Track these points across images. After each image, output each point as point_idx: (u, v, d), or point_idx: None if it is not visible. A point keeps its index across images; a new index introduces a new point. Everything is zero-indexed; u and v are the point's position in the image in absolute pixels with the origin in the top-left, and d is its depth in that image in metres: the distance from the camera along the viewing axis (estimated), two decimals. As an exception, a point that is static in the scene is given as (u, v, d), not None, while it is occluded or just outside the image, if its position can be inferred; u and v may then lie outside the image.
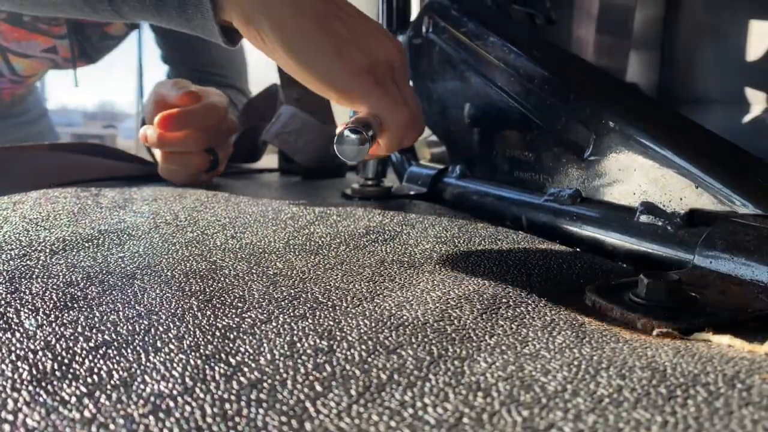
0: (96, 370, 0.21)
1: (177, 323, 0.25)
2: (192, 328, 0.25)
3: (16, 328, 0.25)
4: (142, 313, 0.26)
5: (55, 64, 0.90)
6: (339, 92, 0.39)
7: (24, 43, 0.85)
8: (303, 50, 0.38)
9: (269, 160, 0.90)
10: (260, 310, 0.27)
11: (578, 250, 0.39)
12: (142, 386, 0.20)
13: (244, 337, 0.24)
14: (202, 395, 0.19)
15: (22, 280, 0.31)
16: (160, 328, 0.25)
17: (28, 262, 0.34)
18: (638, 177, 0.37)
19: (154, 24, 0.50)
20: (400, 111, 0.39)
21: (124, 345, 0.23)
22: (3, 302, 0.28)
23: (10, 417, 0.18)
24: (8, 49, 0.86)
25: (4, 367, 0.21)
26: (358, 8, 0.42)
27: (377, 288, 0.30)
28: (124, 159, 0.73)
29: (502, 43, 0.48)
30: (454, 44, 0.54)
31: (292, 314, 0.26)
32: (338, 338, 0.24)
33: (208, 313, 0.27)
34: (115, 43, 0.97)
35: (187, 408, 0.19)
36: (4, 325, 0.25)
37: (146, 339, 0.24)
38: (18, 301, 0.28)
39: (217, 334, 0.24)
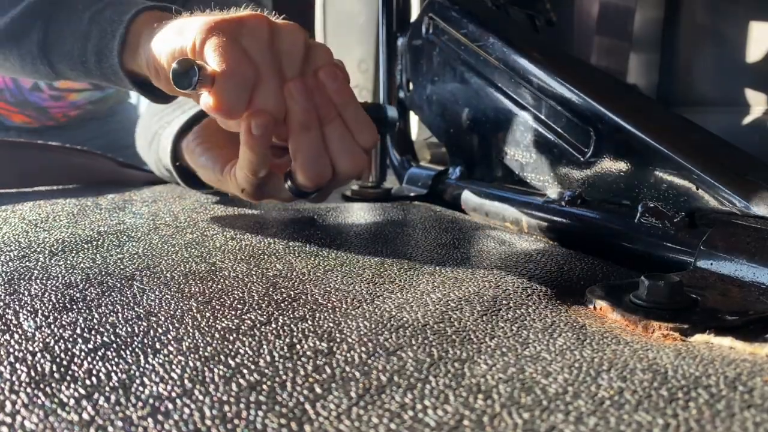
0: (95, 372, 0.21)
1: (176, 325, 0.25)
2: (191, 330, 0.25)
3: (14, 329, 0.25)
4: (141, 315, 0.26)
5: None
6: None
7: None
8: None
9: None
10: (260, 312, 0.27)
11: (579, 251, 0.39)
12: (141, 388, 0.20)
13: (244, 338, 0.24)
14: (201, 397, 0.19)
15: (21, 281, 0.31)
16: (159, 330, 0.25)
17: (27, 263, 0.34)
18: (639, 178, 0.37)
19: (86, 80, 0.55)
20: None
21: (123, 347, 0.23)
22: (2, 303, 0.27)
23: (9, 419, 0.18)
24: None
25: (2, 368, 0.21)
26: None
27: (377, 290, 0.30)
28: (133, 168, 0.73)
29: (502, 45, 0.48)
30: (454, 45, 0.54)
31: (291, 316, 0.26)
32: (338, 340, 0.24)
33: (208, 314, 0.26)
34: None
35: (186, 410, 0.18)
36: (2, 327, 0.25)
37: (145, 341, 0.24)
38: (17, 303, 0.28)
39: (217, 335, 0.24)
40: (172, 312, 0.27)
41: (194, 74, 0.36)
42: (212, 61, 0.37)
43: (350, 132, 0.41)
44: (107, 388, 0.20)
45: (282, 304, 0.28)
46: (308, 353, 0.23)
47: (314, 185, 0.41)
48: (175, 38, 0.40)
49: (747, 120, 0.59)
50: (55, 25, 0.51)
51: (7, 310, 0.27)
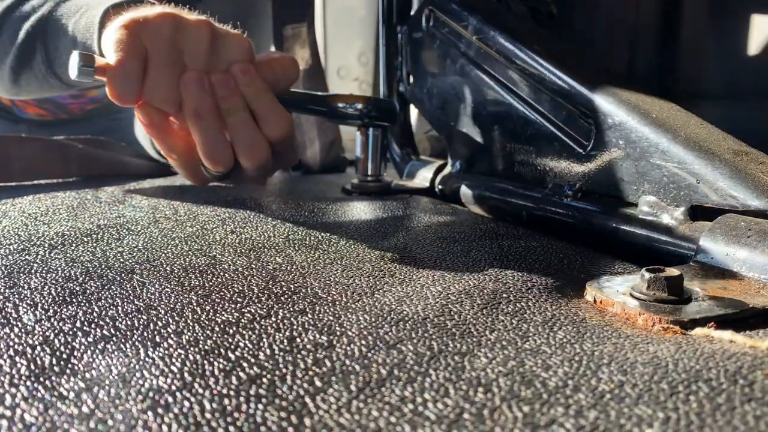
0: (94, 365, 0.21)
1: (176, 318, 0.25)
2: (191, 323, 0.25)
3: (14, 322, 0.25)
4: (141, 308, 0.26)
5: None
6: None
7: None
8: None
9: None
10: (260, 305, 0.27)
11: (579, 244, 0.39)
12: (140, 381, 0.20)
13: (244, 332, 0.24)
14: (201, 390, 0.19)
15: (21, 274, 0.31)
16: (159, 323, 0.25)
17: (26, 256, 0.34)
18: (639, 171, 0.37)
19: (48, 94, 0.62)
20: None
21: (122, 340, 0.23)
22: (1, 297, 0.27)
23: (8, 412, 0.18)
24: None
25: (2, 362, 0.21)
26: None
27: (377, 283, 0.30)
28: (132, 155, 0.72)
29: (502, 37, 0.48)
30: (455, 38, 0.54)
31: (291, 309, 0.26)
32: (338, 333, 0.24)
33: (208, 308, 0.26)
34: None
35: (186, 403, 0.18)
36: (2, 320, 0.25)
37: (145, 334, 0.24)
38: (16, 296, 0.28)
39: (217, 329, 0.24)
40: (171, 305, 0.27)
41: (89, 66, 0.41)
42: (108, 54, 0.42)
43: (257, 123, 0.45)
44: (107, 382, 0.20)
45: (282, 298, 0.28)
46: (308, 346, 0.23)
47: (216, 170, 0.46)
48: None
49: (749, 112, 0.58)
50: (51, 41, 0.56)
51: (6, 304, 0.27)
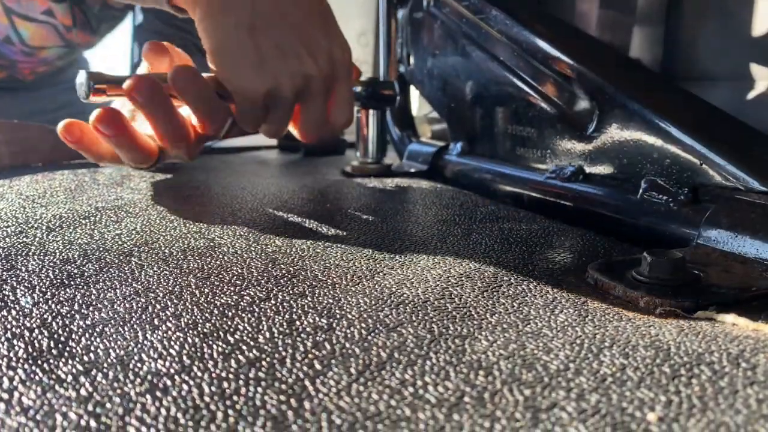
0: (93, 348, 0.21)
1: (175, 301, 0.25)
2: (190, 306, 0.24)
3: (12, 305, 0.24)
4: (140, 291, 0.26)
5: (58, 33, 0.89)
6: (231, 90, 0.42)
7: (24, 4, 0.84)
8: (225, 53, 0.42)
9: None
10: (259, 288, 0.27)
11: (580, 227, 0.39)
12: (139, 364, 0.20)
13: (243, 314, 0.24)
14: (200, 373, 0.19)
15: (19, 257, 0.30)
16: (158, 306, 0.24)
17: (24, 239, 0.33)
18: (642, 153, 0.37)
19: None
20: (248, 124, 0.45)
21: (121, 323, 0.23)
22: (-1, 280, 0.27)
23: (6, 395, 0.18)
24: (12, 10, 0.85)
25: (0, 345, 0.21)
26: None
27: (377, 266, 0.30)
28: None
29: (504, 17, 0.47)
30: (456, 18, 0.53)
31: (291, 292, 0.26)
32: (338, 316, 0.24)
33: (206, 290, 0.26)
34: (117, 16, 0.95)
35: (185, 386, 0.18)
36: (0, 303, 0.25)
37: (143, 317, 0.23)
38: (14, 279, 0.27)
39: (216, 311, 0.24)
40: (170, 288, 0.26)
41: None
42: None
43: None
44: (105, 365, 0.20)
45: (281, 281, 0.28)
46: (308, 329, 0.22)
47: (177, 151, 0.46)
48: None
49: (752, 94, 0.58)
50: None
51: (4, 286, 0.26)
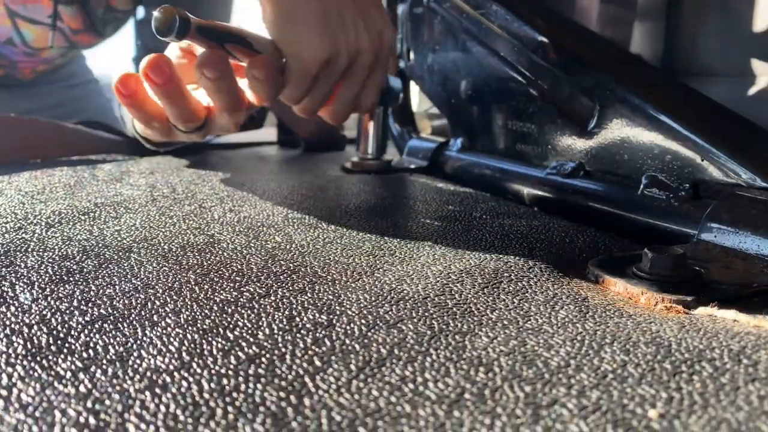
0: (92, 344, 0.21)
1: (174, 297, 0.25)
2: (189, 302, 0.24)
3: (11, 301, 0.24)
4: (139, 287, 0.26)
5: (65, 36, 0.88)
6: (289, 56, 0.42)
7: (30, 6, 0.83)
8: (291, 17, 0.41)
9: (268, 133, 0.89)
10: (259, 284, 0.27)
11: (581, 223, 0.38)
12: (138, 361, 0.20)
13: (243, 311, 0.24)
14: (199, 370, 0.19)
15: (18, 253, 0.30)
16: (157, 302, 0.24)
17: (23, 235, 0.33)
18: (642, 149, 0.37)
19: None
20: (295, 96, 0.44)
21: (120, 319, 0.23)
22: (-2, 276, 0.27)
23: (5, 392, 0.18)
24: (16, 13, 0.84)
25: (-2, 341, 0.21)
26: None
27: (377, 262, 0.30)
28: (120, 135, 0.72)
29: (504, 12, 0.47)
30: (456, 13, 0.53)
31: (291, 288, 0.26)
32: (338, 312, 0.24)
33: (206, 287, 0.26)
34: (121, 18, 0.94)
35: (184, 383, 0.18)
36: (-2, 299, 0.25)
37: (143, 313, 0.23)
38: (13, 275, 0.27)
39: (215, 308, 0.24)
40: (169, 284, 0.26)
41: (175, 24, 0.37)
42: None
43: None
44: (104, 361, 0.20)
45: (281, 277, 0.28)
46: (308, 326, 0.22)
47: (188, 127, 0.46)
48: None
49: (753, 90, 0.58)
50: None
51: (3, 282, 0.26)
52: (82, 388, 0.18)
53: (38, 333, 0.22)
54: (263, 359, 0.20)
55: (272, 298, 0.25)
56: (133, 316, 0.23)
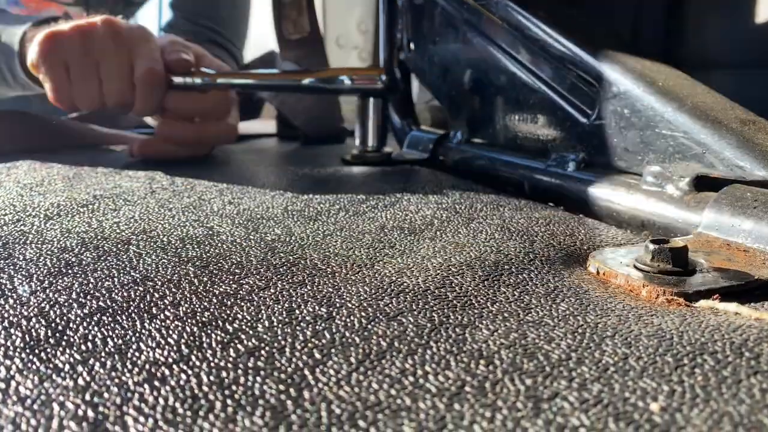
0: (90, 337, 0.21)
1: (173, 290, 0.25)
2: (188, 295, 0.24)
3: (9, 294, 0.24)
4: (138, 280, 0.26)
5: None
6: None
7: (44, 12, 0.83)
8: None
9: (267, 125, 0.89)
10: (258, 277, 0.26)
11: (582, 216, 0.38)
12: (137, 354, 0.19)
13: (242, 303, 0.24)
14: (198, 363, 0.19)
15: (16, 245, 0.30)
16: (156, 295, 0.24)
17: (21, 227, 0.33)
18: (644, 141, 0.36)
19: None
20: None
21: (119, 312, 0.23)
22: (-4, 268, 0.27)
23: (3, 384, 0.18)
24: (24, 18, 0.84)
25: (-4, 334, 0.21)
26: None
27: (377, 254, 0.30)
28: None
29: (506, 3, 0.47)
30: (456, 4, 0.52)
31: (290, 281, 0.26)
32: (337, 305, 0.23)
33: (205, 279, 0.26)
34: (133, 11, 0.94)
35: (183, 376, 0.18)
36: (-4, 292, 0.24)
37: (141, 306, 0.23)
38: (11, 267, 0.27)
39: (214, 300, 0.24)
40: (168, 277, 0.26)
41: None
42: (34, 69, 0.56)
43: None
44: (103, 354, 0.19)
45: (281, 269, 0.27)
46: (307, 318, 0.22)
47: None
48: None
49: (756, 82, 0.58)
50: None
51: (1, 275, 0.26)
52: (80, 381, 0.18)
53: (36, 325, 0.21)
54: (263, 352, 0.20)
55: (272, 290, 0.25)
56: (131, 308, 0.23)
